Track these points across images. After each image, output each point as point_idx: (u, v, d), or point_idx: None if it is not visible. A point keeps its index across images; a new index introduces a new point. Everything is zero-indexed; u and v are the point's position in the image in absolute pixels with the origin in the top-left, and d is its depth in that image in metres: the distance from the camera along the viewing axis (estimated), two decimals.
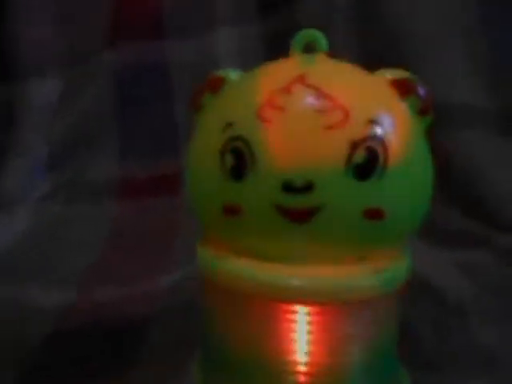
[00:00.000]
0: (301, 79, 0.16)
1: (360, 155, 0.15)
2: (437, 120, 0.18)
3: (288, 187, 0.15)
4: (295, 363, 0.17)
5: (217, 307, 0.19)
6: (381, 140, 0.16)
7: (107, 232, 0.48)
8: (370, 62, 0.19)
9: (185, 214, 0.50)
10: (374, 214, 0.16)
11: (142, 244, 0.45)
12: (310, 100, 0.16)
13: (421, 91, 0.18)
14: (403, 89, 0.17)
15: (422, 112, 0.18)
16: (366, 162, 0.15)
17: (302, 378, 0.17)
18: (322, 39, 0.18)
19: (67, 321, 0.30)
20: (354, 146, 0.15)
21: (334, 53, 0.18)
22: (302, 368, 0.17)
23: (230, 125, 0.17)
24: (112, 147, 0.54)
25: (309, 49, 0.18)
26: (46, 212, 0.50)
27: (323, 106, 0.16)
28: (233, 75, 0.19)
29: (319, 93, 0.16)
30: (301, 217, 0.16)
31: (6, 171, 0.52)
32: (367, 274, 0.16)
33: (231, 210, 0.17)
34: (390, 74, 0.18)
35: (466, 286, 0.33)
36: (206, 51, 0.55)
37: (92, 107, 0.54)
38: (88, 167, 0.54)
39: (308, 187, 0.15)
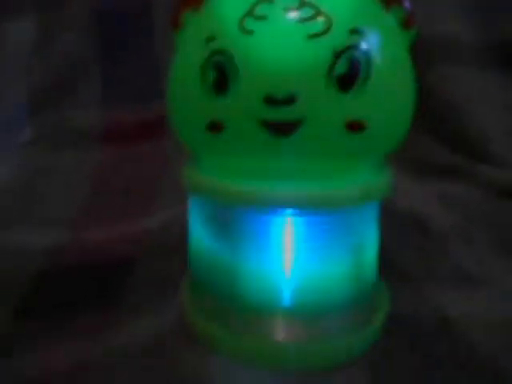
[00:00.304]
0: None
1: (342, 65, 0.15)
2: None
3: (270, 100, 0.15)
4: (278, 271, 0.18)
5: (206, 223, 0.19)
6: (364, 50, 0.16)
7: (92, 177, 0.47)
8: None
9: (170, 159, 0.50)
10: (356, 126, 0.16)
11: (128, 188, 0.45)
12: (292, 9, 0.15)
13: (405, 3, 0.17)
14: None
15: (406, 25, 0.17)
16: (348, 73, 0.15)
17: (287, 287, 0.18)
18: None
19: (54, 261, 0.30)
20: (337, 55, 0.15)
21: None
22: (288, 275, 0.17)
23: (211, 39, 0.16)
24: (94, 92, 0.53)
25: None
26: (30, 159, 0.49)
27: (306, 14, 0.15)
28: None
29: (302, 1, 0.15)
30: (284, 130, 0.16)
31: None
32: (350, 186, 0.17)
33: (214, 127, 0.17)
34: None
35: (447, 215, 0.34)
36: None
37: (72, 50, 0.52)
38: (70, 113, 0.52)
39: (290, 99, 0.15)
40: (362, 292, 0.19)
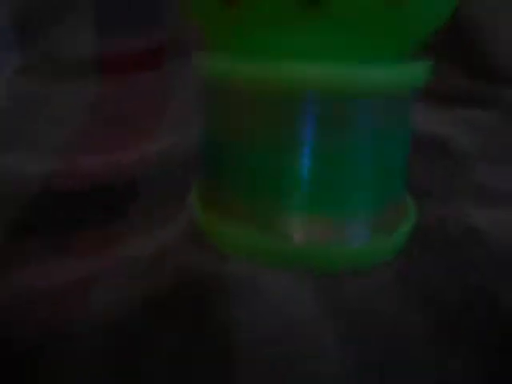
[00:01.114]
0: None
1: None
2: None
3: None
4: (299, 163, 0.16)
5: (219, 117, 0.18)
6: None
7: (88, 106, 0.46)
8: None
9: (171, 88, 0.48)
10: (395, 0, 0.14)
11: (127, 117, 0.43)
12: None
13: None
14: None
15: None
16: None
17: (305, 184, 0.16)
18: None
19: (54, 183, 0.29)
20: None
21: None
22: (306, 167, 0.16)
23: None
24: (88, 19, 0.49)
25: None
26: (21, 88, 0.47)
27: None
28: None
29: None
30: None
31: None
32: (383, 70, 0.15)
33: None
34: None
35: (470, 138, 0.33)
36: None
37: None
38: (64, 42, 0.49)
39: None
40: (387, 193, 0.18)
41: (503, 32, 0.42)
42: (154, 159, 0.33)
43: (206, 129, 0.19)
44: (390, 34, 0.15)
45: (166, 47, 0.50)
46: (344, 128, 0.15)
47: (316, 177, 0.16)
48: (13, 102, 0.44)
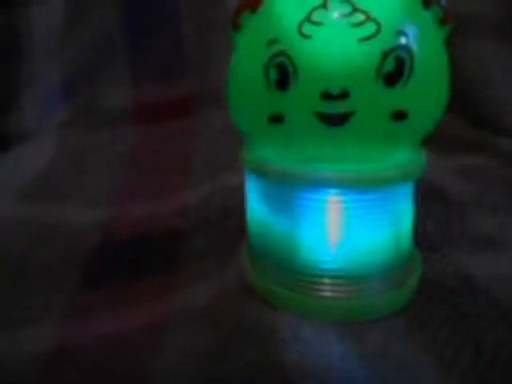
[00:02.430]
0: None
1: (389, 64, 0.18)
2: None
3: (327, 95, 0.18)
4: (328, 242, 0.21)
5: (264, 199, 0.22)
6: (407, 49, 0.18)
7: (127, 156, 0.50)
8: None
9: (200, 135, 0.52)
10: (399, 116, 0.19)
11: (162, 166, 0.47)
12: (345, 14, 0.18)
13: (442, 1, 0.19)
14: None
15: (443, 21, 0.19)
16: (395, 70, 0.18)
17: (334, 255, 0.21)
18: None
19: (106, 236, 0.32)
20: (384, 55, 0.18)
21: None
22: (336, 245, 0.20)
23: (272, 41, 0.19)
24: (124, 72, 0.55)
25: None
26: (67, 140, 0.52)
27: (357, 19, 0.18)
28: None
29: (353, 7, 0.18)
30: (337, 121, 0.18)
31: (22, 103, 0.53)
32: (392, 168, 0.20)
33: (276, 119, 0.19)
34: None
35: (467, 185, 0.37)
36: None
37: (100, 32, 0.53)
38: (102, 93, 0.54)
39: (344, 94, 0.18)
40: (399, 258, 0.22)
41: (499, 83, 0.46)
42: (194, 207, 0.37)
43: (249, 204, 0.24)
44: (394, 140, 0.20)
45: (193, 96, 0.55)
46: (363, 212, 0.20)
47: (340, 250, 0.21)
48: (62, 152, 0.49)
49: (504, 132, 0.43)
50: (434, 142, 0.42)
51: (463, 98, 0.46)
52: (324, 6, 0.18)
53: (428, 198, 0.35)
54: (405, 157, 0.20)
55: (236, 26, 0.21)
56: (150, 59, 0.55)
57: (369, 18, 0.18)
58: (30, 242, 0.32)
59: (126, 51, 0.54)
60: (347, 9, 0.18)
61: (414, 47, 0.18)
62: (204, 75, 0.55)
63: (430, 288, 0.24)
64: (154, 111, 0.55)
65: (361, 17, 0.18)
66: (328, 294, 0.21)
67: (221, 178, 0.41)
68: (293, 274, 0.21)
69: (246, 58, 0.20)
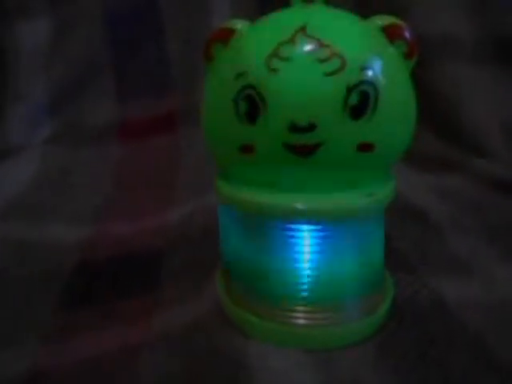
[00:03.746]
0: (303, 30, 0.19)
1: (354, 97, 0.18)
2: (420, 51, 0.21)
3: (294, 127, 0.18)
4: (300, 270, 0.21)
5: (233, 229, 0.23)
6: (372, 84, 0.18)
7: (111, 172, 0.50)
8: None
9: (185, 151, 0.53)
10: (365, 148, 0.19)
11: (147, 182, 0.47)
12: (311, 50, 0.18)
13: (408, 36, 0.20)
14: (392, 34, 0.20)
15: (408, 55, 0.20)
16: (360, 104, 0.18)
17: (305, 285, 0.21)
18: None
19: (88, 255, 0.33)
20: (350, 90, 0.18)
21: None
22: (306, 274, 0.21)
23: (241, 74, 0.19)
24: (109, 88, 0.55)
25: None
26: (52, 155, 0.52)
27: (323, 55, 0.18)
28: (240, 26, 0.21)
29: (319, 43, 0.18)
30: (305, 152, 0.19)
31: (7, 118, 0.53)
32: (360, 197, 0.20)
33: (246, 149, 0.20)
34: (380, 20, 0.20)
35: (443, 206, 0.37)
36: None
37: (86, 48, 0.54)
38: (87, 109, 0.55)
39: (311, 127, 0.18)
40: (371, 284, 0.22)
41: (475, 104, 0.47)
42: (176, 225, 0.37)
43: (221, 232, 0.24)
44: (361, 170, 0.20)
45: (179, 113, 0.55)
46: (334, 241, 0.21)
47: (314, 279, 0.21)
48: (46, 170, 0.49)
49: (483, 154, 0.44)
50: (411, 160, 0.43)
51: (440, 118, 0.47)
52: (291, 41, 0.18)
53: (404, 217, 0.36)
54: (373, 185, 0.21)
55: (208, 58, 0.21)
56: (135, 75, 0.55)
57: (334, 54, 0.18)
58: (9, 260, 0.32)
59: (112, 67, 0.55)
60: (313, 44, 0.18)
61: (379, 81, 0.19)
62: (190, 91, 0.55)
63: (403, 311, 0.24)
64: (139, 127, 0.55)
65: (326, 52, 0.18)
66: (300, 321, 0.21)
67: (205, 196, 0.41)
68: (264, 301, 0.22)
69: (217, 89, 0.21)
